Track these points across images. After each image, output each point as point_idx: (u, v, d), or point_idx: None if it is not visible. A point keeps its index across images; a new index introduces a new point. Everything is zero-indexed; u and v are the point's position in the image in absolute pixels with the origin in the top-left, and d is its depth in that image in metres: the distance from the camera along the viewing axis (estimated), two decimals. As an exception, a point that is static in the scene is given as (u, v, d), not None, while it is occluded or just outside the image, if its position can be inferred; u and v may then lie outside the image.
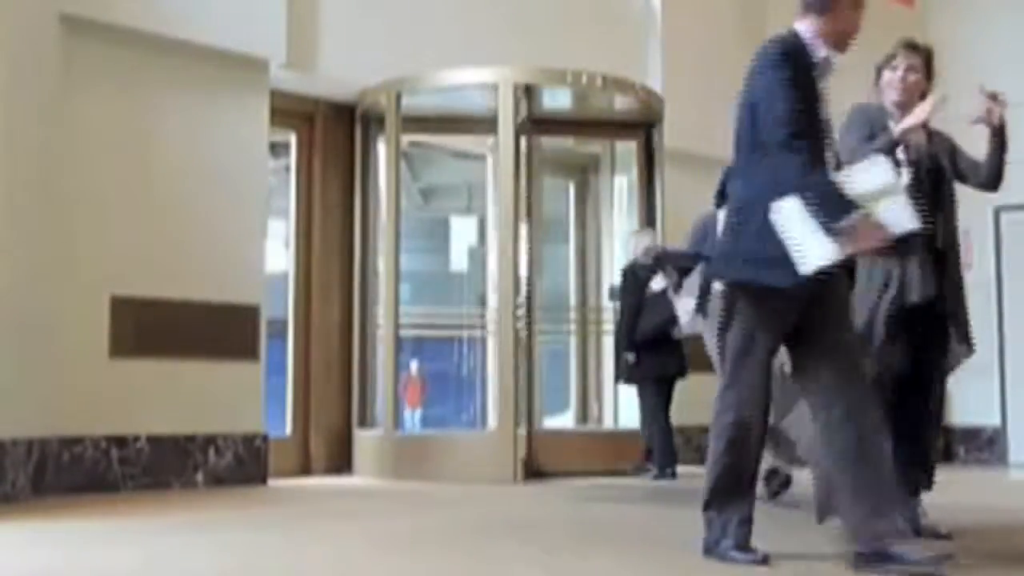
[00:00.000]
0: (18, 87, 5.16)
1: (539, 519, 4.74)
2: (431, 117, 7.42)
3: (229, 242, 6.24)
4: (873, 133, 3.64)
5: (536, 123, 7.04)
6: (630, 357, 6.83)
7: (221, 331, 6.13)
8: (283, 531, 4.23)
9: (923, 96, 3.73)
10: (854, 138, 3.66)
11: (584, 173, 8.76)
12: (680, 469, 7.03)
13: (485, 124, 7.11)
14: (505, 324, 6.65)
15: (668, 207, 7.72)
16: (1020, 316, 8.80)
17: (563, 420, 8.59)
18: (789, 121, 3.02)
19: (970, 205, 4.32)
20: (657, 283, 6.77)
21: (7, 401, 4.94)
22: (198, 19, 6.07)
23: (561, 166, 8.70)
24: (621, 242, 8.16)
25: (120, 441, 5.73)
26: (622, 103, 7.58)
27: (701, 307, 5.40)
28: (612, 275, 8.03)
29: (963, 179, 3.89)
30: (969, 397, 8.58)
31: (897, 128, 3.57)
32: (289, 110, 6.99)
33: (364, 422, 7.14)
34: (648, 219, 7.89)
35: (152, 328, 5.87)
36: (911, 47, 3.83)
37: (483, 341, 7.93)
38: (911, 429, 3.78)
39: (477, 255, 8.49)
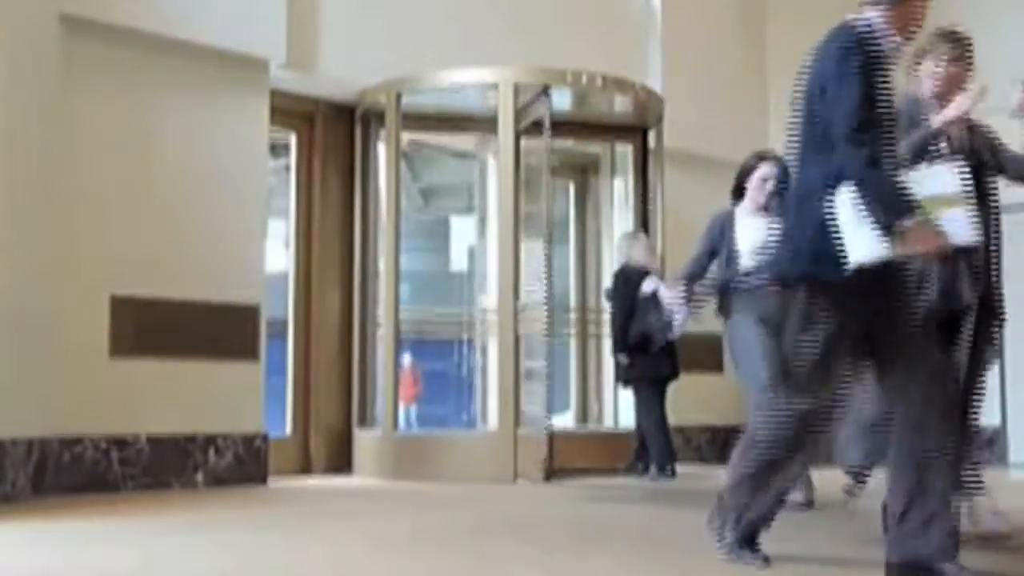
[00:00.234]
0: (18, 87, 5.16)
1: (539, 519, 4.74)
2: (431, 117, 7.42)
3: (229, 242, 6.25)
4: (910, 124, 3.54)
5: (537, 124, 7.03)
6: (622, 359, 6.89)
7: (221, 331, 6.14)
8: (283, 531, 4.23)
9: (961, 88, 3.65)
10: None
11: (584, 174, 8.76)
12: (680, 469, 7.03)
13: (485, 124, 7.11)
14: (505, 324, 6.65)
15: (668, 207, 7.73)
16: (1020, 316, 8.78)
17: (563, 420, 8.60)
18: (854, 114, 2.91)
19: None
20: (648, 285, 6.84)
21: (7, 401, 4.95)
22: (198, 19, 6.07)
23: (561, 167, 8.70)
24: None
25: (120, 441, 5.73)
26: (622, 103, 7.58)
27: (722, 307, 5.38)
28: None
29: (1003, 172, 3.82)
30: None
31: (937, 119, 3.51)
32: (289, 110, 6.99)
33: (364, 422, 7.15)
34: (642, 222, 7.92)
35: (152, 328, 5.87)
36: (952, 37, 3.75)
37: (471, 341, 7.95)
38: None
39: (477, 255, 8.49)
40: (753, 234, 5.21)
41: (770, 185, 5.31)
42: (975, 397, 3.82)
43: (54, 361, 5.45)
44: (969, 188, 3.08)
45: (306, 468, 6.99)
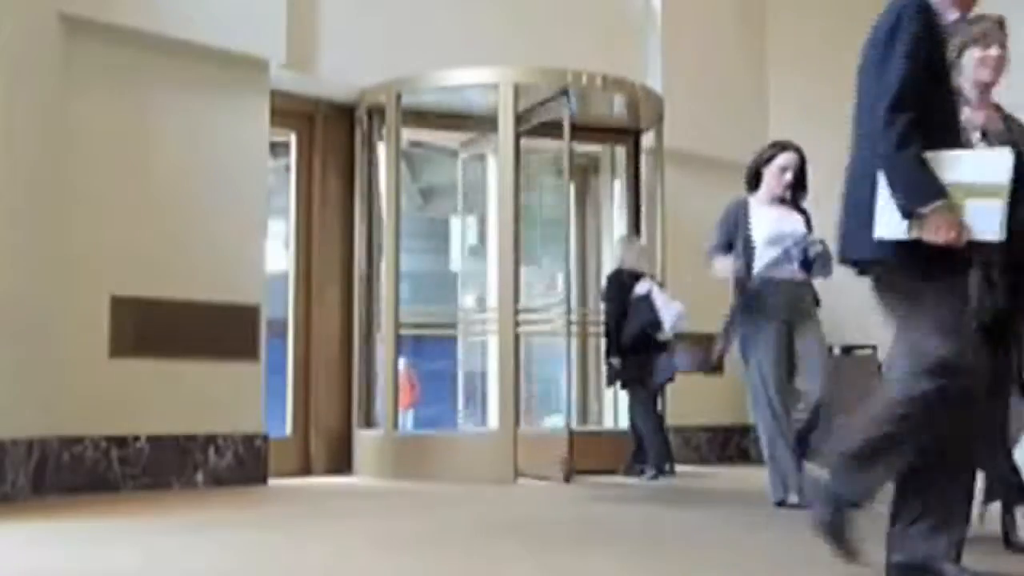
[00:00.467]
0: (18, 87, 5.16)
1: (539, 519, 4.74)
2: (431, 117, 7.42)
3: (229, 242, 6.24)
4: None
5: (545, 124, 7.04)
6: (615, 361, 6.93)
7: (221, 331, 6.13)
8: (283, 531, 4.23)
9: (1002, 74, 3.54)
10: None
11: (584, 174, 8.75)
12: (680, 469, 7.04)
13: (485, 123, 7.11)
14: (505, 324, 6.65)
15: (668, 207, 7.73)
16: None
17: (563, 420, 8.60)
18: (895, 91, 2.79)
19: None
20: (641, 287, 6.91)
21: (7, 401, 4.95)
22: (198, 19, 6.07)
23: (561, 166, 8.70)
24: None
25: (120, 441, 5.73)
26: (619, 104, 7.56)
27: (748, 307, 5.16)
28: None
29: None
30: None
31: (978, 115, 3.42)
32: (289, 110, 6.98)
33: (364, 422, 7.14)
34: (635, 223, 7.95)
35: (152, 328, 5.87)
36: (1000, 23, 3.58)
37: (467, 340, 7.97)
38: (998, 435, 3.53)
39: (477, 255, 8.50)
40: (768, 225, 5.14)
41: (789, 175, 5.20)
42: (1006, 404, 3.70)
43: (54, 361, 5.45)
44: (1015, 180, 2.85)
45: (306, 468, 6.98)
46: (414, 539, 3.98)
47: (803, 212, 5.28)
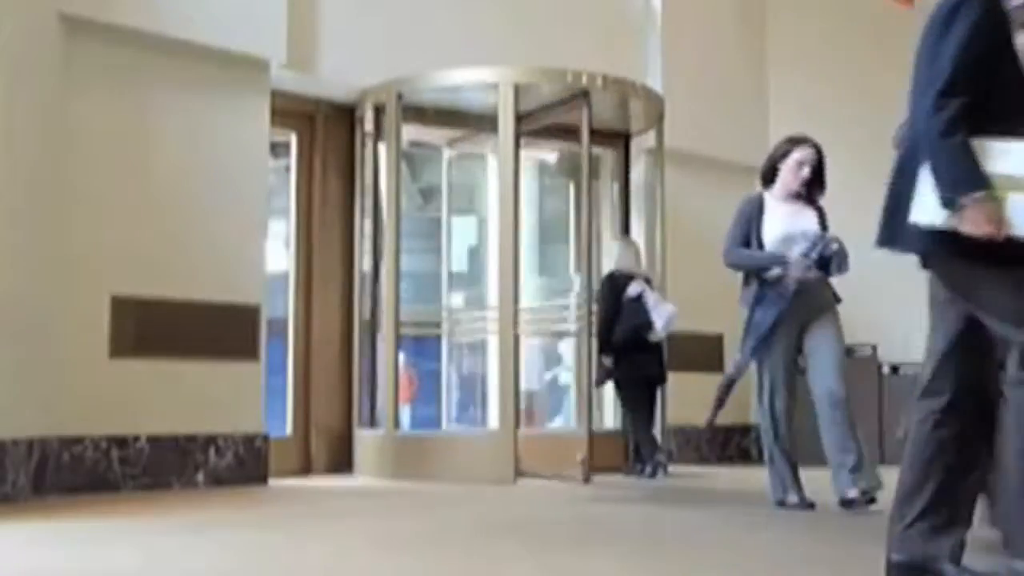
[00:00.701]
0: (18, 87, 5.15)
1: (539, 519, 4.74)
2: (431, 117, 7.42)
3: (229, 242, 6.24)
4: None
5: (550, 127, 7.05)
6: (607, 361, 6.99)
7: (221, 331, 6.13)
8: (283, 531, 4.23)
9: None
10: None
11: (579, 174, 8.74)
12: (680, 469, 7.05)
13: (485, 123, 7.10)
14: (505, 324, 6.64)
15: (668, 207, 7.73)
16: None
17: (563, 421, 8.61)
18: (946, 76, 2.70)
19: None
20: (633, 289, 6.97)
21: (7, 401, 4.94)
22: (198, 19, 6.07)
23: (561, 166, 8.70)
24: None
25: (120, 441, 5.73)
26: (615, 104, 7.55)
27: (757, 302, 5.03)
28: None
29: None
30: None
31: None
32: (289, 110, 6.98)
33: (364, 422, 7.14)
34: (624, 225, 7.97)
35: (152, 328, 5.87)
36: None
37: (447, 340, 7.98)
38: None
39: (477, 255, 8.50)
40: (779, 224, 5.02)
41: (806, 170, 5.06)
42: None
43: (54, 361, 5.45)
44: None
45: (306, 468, 6.98)
46: (414, 539, 3.98)
47: (819, 209, 5.17)
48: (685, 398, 7.56)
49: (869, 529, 3.49)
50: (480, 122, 7.30)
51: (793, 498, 4.94)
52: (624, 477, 6.90)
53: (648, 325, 6.89)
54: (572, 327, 7.50)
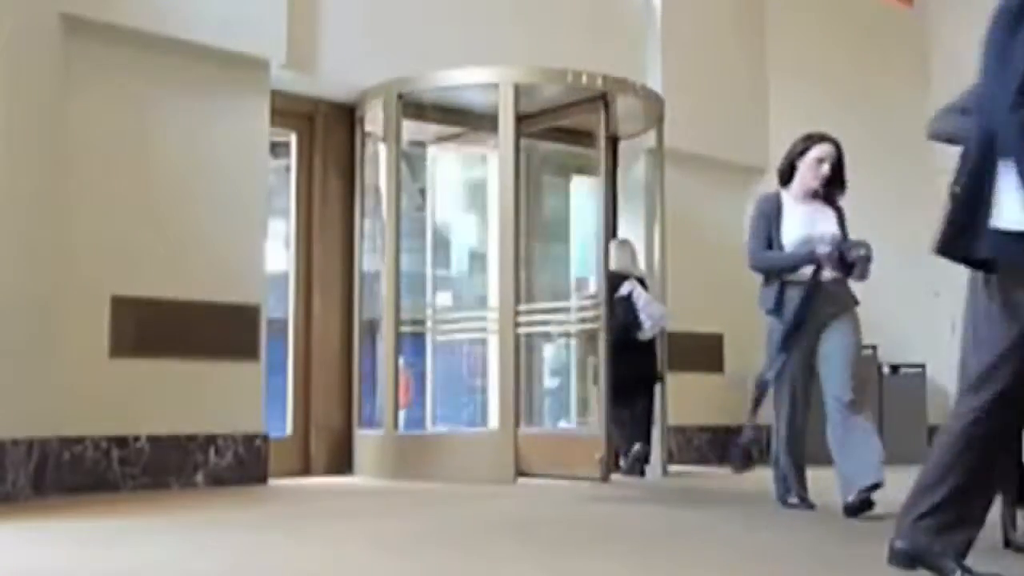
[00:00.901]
0: (18, 87, 5.15)
1: (539, 519, 4.74)
2: (431, 117, 7.42)
3: (229, 242, 6.24)
4: None
5: (556, 129, 7.05)
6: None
7: (221, 331, 6.13)
8: (283, 531, 4.23)
9: None
10: None
11: (583, 174, 8.75)
12: (680, 469, 7.05)
13: (486, 123, 7.10)
14: (505, 324, 6.65)
15: (668, 207, 7.73)
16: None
17: (563, 421, 8.61)
18: (1020, 76, 2.60)
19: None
20: (624, 288, 7.02)
21: (7, 401, 4.94)
22: (198, 19, 6.07)
23: (561, 166, 8.71)
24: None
25: (120, 441, 5.73)
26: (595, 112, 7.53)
27: (778, 306, 4.91)
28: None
29: None
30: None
31: None
32: (289, 110, 6.98)
33: (364, 422, 7.14)
34: (611, 225, 7.97)
35: (152, 328, 5.87)
36: None
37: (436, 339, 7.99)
38: None
39: (477, 255, 8.49)
40: (799, 226, 4.87)
41: (826, 167, 4.86)
42: None
43: (54, 361, 5.45)
44: None
45: (306, 468, 6.98)
46: (414, 539, 3.98)
47: (838, 210, 4.99)
48: (685, 398, 7.57)
49: (869, 529, 3.49)
50: (481, 121, 7.30)
51: (794, 498, 4.95)
52: (624, 477, 6.90)
53: (636, 324, 6.92)
54: (572, 328, 7.47)
